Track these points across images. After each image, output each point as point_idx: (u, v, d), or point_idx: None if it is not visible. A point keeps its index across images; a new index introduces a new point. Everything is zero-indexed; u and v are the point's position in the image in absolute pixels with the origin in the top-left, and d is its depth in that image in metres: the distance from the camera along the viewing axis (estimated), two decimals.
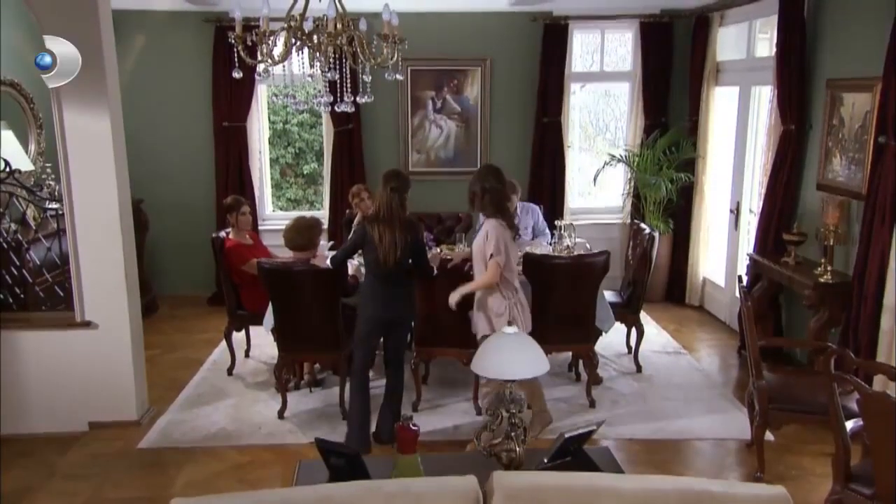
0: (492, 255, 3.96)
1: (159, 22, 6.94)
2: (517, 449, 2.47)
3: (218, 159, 7.10)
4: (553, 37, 6.94)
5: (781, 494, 2.21)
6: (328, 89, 3.44)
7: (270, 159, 7.98)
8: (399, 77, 3.44)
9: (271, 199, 7.91)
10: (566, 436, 2.48)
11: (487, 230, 4.02)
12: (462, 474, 2.20)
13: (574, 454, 2.53)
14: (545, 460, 2.53)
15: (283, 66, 3.44)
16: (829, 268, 4.79)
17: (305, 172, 10.04)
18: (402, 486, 2.19)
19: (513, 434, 2.47)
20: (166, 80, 7.05)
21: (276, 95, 3.32)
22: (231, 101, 6.93)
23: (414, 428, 2.49)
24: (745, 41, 6.25)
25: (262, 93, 7.29)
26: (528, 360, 2.46)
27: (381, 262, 4.14)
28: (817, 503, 3.64)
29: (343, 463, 2.45)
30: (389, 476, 2.45)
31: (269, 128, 8.27)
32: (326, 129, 7.24)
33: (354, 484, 2.21)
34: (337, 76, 3.26)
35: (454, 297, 4.17)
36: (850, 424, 3.25)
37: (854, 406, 3.39)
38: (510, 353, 2.45)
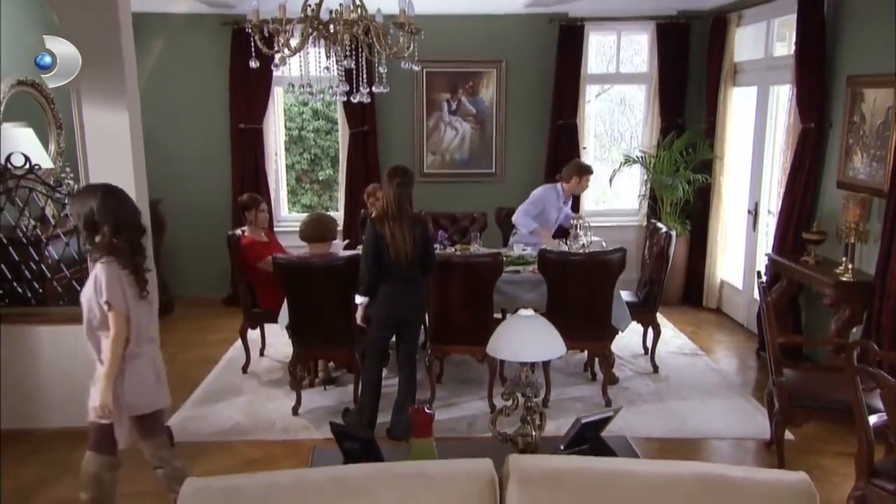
0: (109, 305, 3.00)
1: (177, 25, 7.02)
2: (533, 433, 2.44)
3: (234, 161, 7.15)
4: (569, 38, 6.94)
5: (803, 480, 2.16)
6: (343, 79, 3.45)
7: (286, 165, 8.02)
8: (415, 68, 3.45)
9: (287, 203, 7.94)
10: (583, 421, 2.44)
11: (97, 274, 3.03)
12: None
13: (591, 441, 2.49)
14: (561, 447, 2.49)
15: (300, 61, 3.46)
16: (850, 266, 4.72)
17: (321, 179, 10.10)
18: (416, 468, 2.17)
19: (529, 418, 2.44)
20: (184, 83, 7.13)
21: (292, 85, 3.32)
22: (248, 102, 6.98)
23: (428, 412, 2.47)
24: (763, 41, 6.21)
25: (278, 95, 7.35)
26: (545, 342, 2.43)
27: (393, 261, 4.12)
28: (839, 501, 3.57)
29: (357, 447, 2.43)
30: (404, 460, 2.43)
31: (286, 134, 8.32)
32: (342, 131, 7.27)
33: (368, 466, 2.20)
34: (353, 64, 3.27)
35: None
36: (872, 419, 3.18)
37: (876, 403, 3.32)
38: (526, 336, 2.43)
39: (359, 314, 4.32)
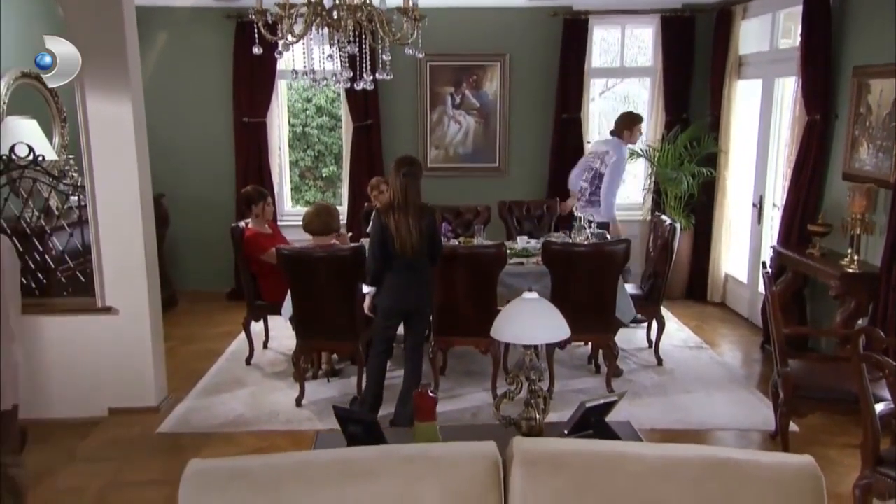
0: None
1: (182, 18, 7.02)
2: (537, 417, 2.43)
3: (238, 155, 7.15)
4: (573, 32, 6.91)
5: (809, 464, 2.14)
6: (347, 65, 3.45)
7: (290, 162, 8.02)
8: (419, 55, 3.43)
9: (290, 198, 7.93)
10: (587, 405, 2.42)
11: None
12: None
13: (595, 426, 2.48)
14: (566, 431, 2.48)
15: (303, 48, 3.45)
16: (855, 258, 4.70)
17: (324, 175, 10.10)
18: (420, 450, 2.16)
19: (533, 402, 2.43)
20: (187, 76, 7.13)
21: (295, 72, 3.31)
22: (252, 96, 6.98)
23: (432, 395, 2.46)
24: (769, 33, 6.19)
25: (282, 89, 7.36)
26: (549, 325, 2.42)
27: (398, 252, 4.11)
28: (844, 492, 3.55)
29: (360, 431, 2.42)
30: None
31: (290, 130, 8.32)
32: (346, 126, 7.27)
33: (373, 448, 2.19)
34: (356, 50, 3.27)
35: None
36: (878, 408, 3.16)
37: (882, 393, 3.31)
38: (530, 319, 2.42)
39: (366, 303, 4.33)
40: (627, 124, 6.04)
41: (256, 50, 3.10)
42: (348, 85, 3.60)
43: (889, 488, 2.99)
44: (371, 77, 3.58)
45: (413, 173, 4.12)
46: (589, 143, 7.28)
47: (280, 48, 3.17)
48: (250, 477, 2.08)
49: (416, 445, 2.21)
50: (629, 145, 6.19)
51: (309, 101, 9.53)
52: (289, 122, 8.25)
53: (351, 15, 3.08)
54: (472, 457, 2.11)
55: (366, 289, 4.25)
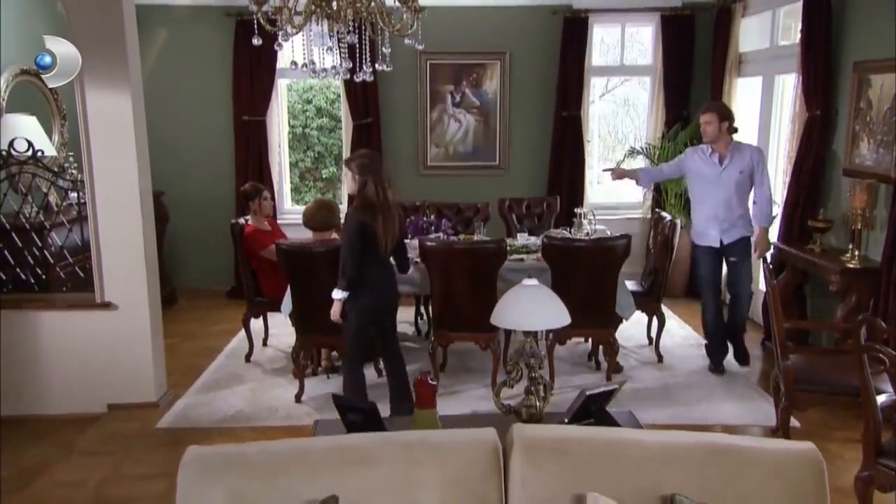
0: None
1: (181, 16, 7.02)
2: (537, 404, 2.42)
3: (238, 154, 7.14)
4: (573, 30, 6.91)
5: (811, 449, 2.14)
6: (346, 55, 3.45)
7: (290, 163, 8.01)
8: (419, 46, 3.43)
9: (290, 197, 7.92)
10: (588, 393, 2.41)
11: None
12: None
13: (596, 414, 2.47)
14: (566, 420, 2.47)
15: (303, 40, 3.44)
16: (856, 253, 4.69)
17: (325, 176, 10.10)
18: (421, 436, 2.15)
19: (533, 389, 2.42)
20: (187, 75, 7.12)
21: (294, 63, 3.29)
22: (252, 95, 6.98)
23: (432, 383, 2.45)
24: (769, 30, 6.19)
25: (282, 87, 7.36)
26: (549, 312, 2.41)
27: (380, 249, 4.01)
28: (845, 485, 3.54)
29: (360, 419, 2.41)
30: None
31: (290, 131, 8.31)
32: (346, 124, 7.25)
33: (373, 434, 2.18)
34: (356, 40, 3.26)
35: None
36: (880, 399, 3.15)
37: (883, 386, 3.29)
38: (530, 305, 2.41)
39: (336, 309, 4.03)
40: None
41: (256, 41, 3.09)
42: (348, 76, 3.59)
43: (890, 480, 2.98)
44: (371, 69, 3.57)
45: (376, 168, 3.99)
46: (588, 141, 7.29)
47: (280, 39, 3.16)
48: (249, 463, 2.07)
49: (416, 432, 2.20)
50: (710, 143, 5.18)
51: (309, 102, 9.53)
52: (289, 123, 8.26)
53: (350, 5, 3.08)
54: (472, 443, 2.10)
55: (338, 294, 3.98)
